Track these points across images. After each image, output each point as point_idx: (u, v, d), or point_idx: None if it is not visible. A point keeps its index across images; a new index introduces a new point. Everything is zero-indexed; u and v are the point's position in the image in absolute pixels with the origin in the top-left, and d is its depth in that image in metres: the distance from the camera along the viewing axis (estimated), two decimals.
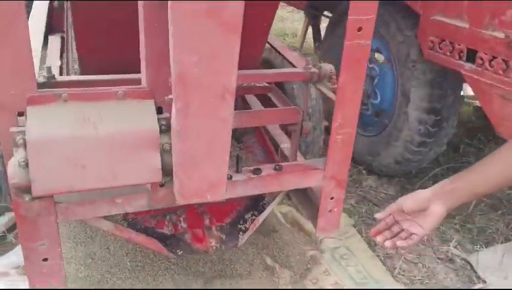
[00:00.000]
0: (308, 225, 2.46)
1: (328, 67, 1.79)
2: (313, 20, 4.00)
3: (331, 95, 1.74)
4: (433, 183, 2.83)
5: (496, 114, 1.92)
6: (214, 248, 1.71)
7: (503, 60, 1.87)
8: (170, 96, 1.31)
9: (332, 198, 1.83)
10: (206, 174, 1.36)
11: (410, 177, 2.93)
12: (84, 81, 1.54)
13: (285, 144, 2.11)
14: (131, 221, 1.75)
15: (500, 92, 1.87)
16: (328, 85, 1.77)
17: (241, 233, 1.76)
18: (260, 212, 1.84)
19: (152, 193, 1.57)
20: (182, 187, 1.36)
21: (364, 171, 2.98)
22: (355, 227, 2.49)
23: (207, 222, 1.80)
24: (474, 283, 2.12)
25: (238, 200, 1.91)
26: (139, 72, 1.45)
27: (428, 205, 1.16)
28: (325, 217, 1.86)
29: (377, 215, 1.26)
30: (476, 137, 3.31)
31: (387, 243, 1.22)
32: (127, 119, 1.34)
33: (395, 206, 1.23)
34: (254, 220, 1.80)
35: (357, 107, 1.67)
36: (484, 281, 2.13)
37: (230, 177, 1.68)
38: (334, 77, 1.77)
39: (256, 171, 1.70)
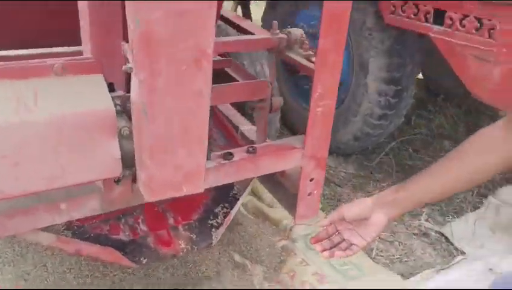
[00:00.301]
0: (274, 213, 2.25)
1: (298, 32, 1.57)
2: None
3: (305, 62, 1.52)
4: (391, 158, 2.75)
5: (471, 76, 1.81)
6: (185, 250, 1.44)
7: (476, 17, 1.75)
8: (128, 66, 1.02)
9: (312, 179, 1.62)
10: (180, 161, 1.09)
11: (367, 154, 2.82)
12: (5, 57, 1.20)
13: (245, 126, 1.87)
14: (78, 229, 1.43)
15: (475, 52, 1.75)
16: (300, 52, 1.55)
17: (213, 229, 1.51)
18: (231, 204, 1.59)
19: (106, 193, 1.27)
20: (151, 180, 1.08)
21: None
22: (323, 211, 2.32)
23: (171, 221, 1.52)
24: (454, 256, 2.03)
25: (204, 192, 1.64)
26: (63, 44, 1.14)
27: (370, 214, 1.12)
28: (305, 202, 1.65)
29: (320, 223, 1.21)
30: (426, 108, 3.27)
31: (325, 254, 1.16)
32: (71, 99, 1.04)
33: (336, 214, 1.18)
34: (226, 213, 1.55)
35: (337, 76, 1.47)
36: (463, 252, 2.04)
37: None
38: (307, 42, 1.55)
39: (227, 156, 1.45)
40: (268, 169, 1.53)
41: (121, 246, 1.38)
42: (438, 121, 3.12)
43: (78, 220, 1.43)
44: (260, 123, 1.71)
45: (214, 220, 1.53)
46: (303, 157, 1.56)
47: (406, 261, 2.02)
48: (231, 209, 1.56)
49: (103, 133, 1.05)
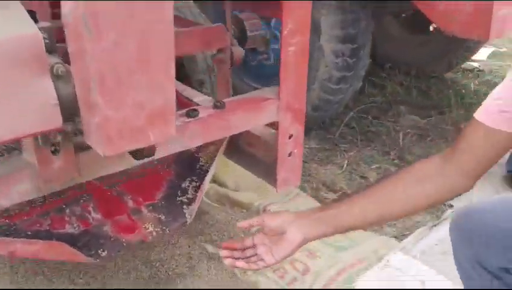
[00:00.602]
0: (242, 197, 1.99)
1: None
2: None
3: None
4: (354, 126, 2.59)
5: (440, 12, 1.67)
6: (154, 233, 1.15)
7: None
8: None
9: (291, 136, 1.40)
10: (142, 96, 0.81)
11: (326, 128, 2.64)
12: None
13: (199, 97, 1.61)
14: (8, 230, 1.10)
15: None
16: None
17: (185, 207, 1.23)
18: (200, 177, 1.33)
19: (41, 168, 0.97)
20: (105, 125, 0.79)
21: None
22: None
23: (130, 203, 1.23)
24: (443, 211, 1.88)
25: (165, 169, 1.37)
26: None
27: (288, 229, 1.02)
28: (286, 165, 1.42)
29: (240, 225, 1.11)
30: (378, 76, 3.17)
31: (228, 261, 1.06)
32: None
33: (257, 219, 1.09)
34: (197, 187, 1.28)
35: (309, 5, 1.26)
36: (451, 206, 1.90)
37: None
38: None
39: (192, 113, 1.18)
40: (241, 126, 1.28)
41: (70, 240, 1.07)
42: (391, 88, 3.02)
43: (4, 217, 1.10)
44: (222, 79, 1.46)
45: (184, 197, 1.26)
46: (279, 111, 1.33)
47: (395, 224, 1.84)
48: (201, 183, 1.29)
49: (31, 67, 0.76)
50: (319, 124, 2.62)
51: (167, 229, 1.18)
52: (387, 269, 1.57)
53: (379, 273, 1.55)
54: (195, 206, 1.24)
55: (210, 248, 1.68)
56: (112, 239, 1.12)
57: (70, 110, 0.84)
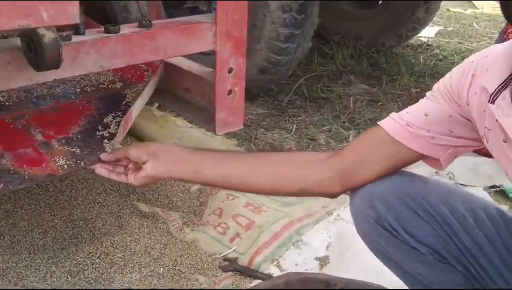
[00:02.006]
0: None
1: None
2: None
3: None
4: (303, 91, 2.48)
5: None
6: (66, 167, 0.97)
7: None
8: None
9: (231, 70, 1.24)
10: None
11: (275, 95, 2.51)
12: None
13: None
14: None
15: None
16: None
17: (105, 141, 1.05)
18: (125, 112, 1.15)
19: None
20: None
21: None
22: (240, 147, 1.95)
23: (39, 136, 1.04)
24: None
25: (84, 104, 1.18)
26: None
27: (147, 159, 0.97)
28: (225, 104, 1.27)
29: (101, 156, 1.03)
30: (327, 45, 3.07)
31: (98, 170, 1.00)
32: None
33: (123, 151, 1.03)
34: (121, 120, 1.11)
35: None
36: None
37: (68, 39, 0.96)
38: None
39: (112, 28, 1.01)
40: (170, 50, 1.11)
41: None
42: (341, 59, 2.92)
43: None
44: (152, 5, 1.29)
45: (105, 131, 1.08)
46: (216, 38, 1.18)
47: None
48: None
49: None
50: (267, 90, 2.49)
51: (82, 163, 1.00)
52: (338, 222, 1.45)
53: (329, 226, 1.43)
54: (117, 139, 1.06)
55: (142, 207, 1.51)
56: (10, 172, 0.93)
57: None
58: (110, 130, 1.10)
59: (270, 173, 0.96)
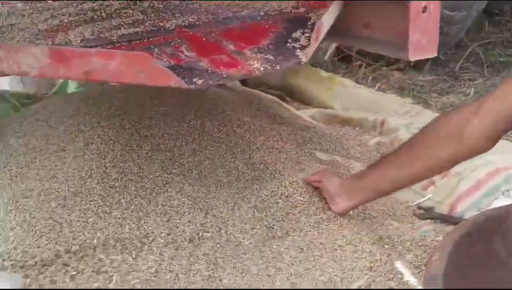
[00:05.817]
0: (351, 114, 1.70)
1: None
2: None
3: None
4: (472, 63, 2.19)
5: None
6: (262, 68, 0.91)
7: None
8: None
9: None
10: None
11: (443, 64, 2.27)
12: None
13: None
14: None
15: None
16: None
17: (298, 50, 0.98)
18: (312, 29, 1.06)
19: None
20: None
21: None
22: None
23: (231, 47, 1.00)
24: None
25: (270, 22, 1.14)
26: None
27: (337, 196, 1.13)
28: (420, 22, 1.12)
29: (304, 180, 1.21)
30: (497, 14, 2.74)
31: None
32: None
33: (318, 178, 1.18)
34: (310, 34, 1.02)
35: None
36: None
37: None
38: None
39: None
40: None
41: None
42: None
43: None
44: None
45: (296, 43, 0.99)
46: None
47: None
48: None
49: None
50: (434, 58, 2.26)
51: (277, 66, 0.92)
52: None
53: None
54: (310, 49, 0.97)
55: (321, 155, 1.43)
56: (209, 71, 0.89)
57: None
58: (300, 43, 1.02)
59: (425, 160, 1.00)
